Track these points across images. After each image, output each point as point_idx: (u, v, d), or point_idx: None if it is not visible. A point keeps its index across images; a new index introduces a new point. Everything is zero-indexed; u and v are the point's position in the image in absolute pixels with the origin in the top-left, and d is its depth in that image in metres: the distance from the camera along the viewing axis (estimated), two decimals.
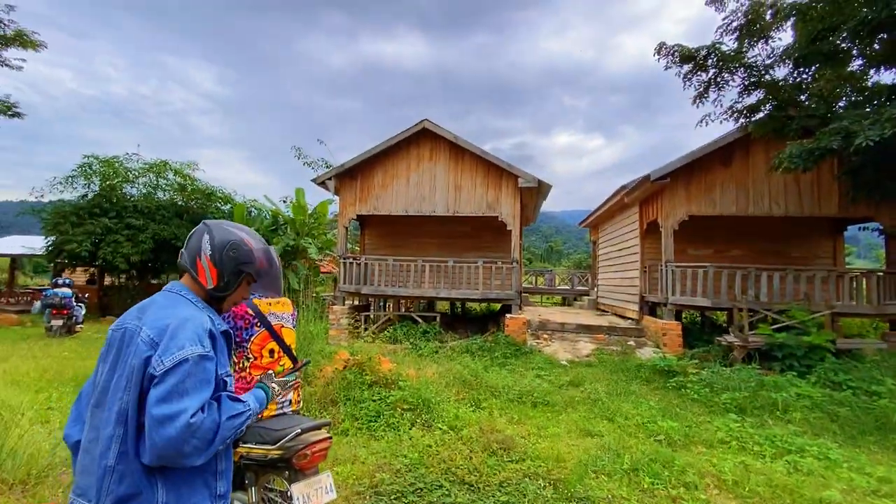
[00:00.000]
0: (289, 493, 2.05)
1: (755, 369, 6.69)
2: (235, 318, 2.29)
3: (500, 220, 10.25)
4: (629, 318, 11.32)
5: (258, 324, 2.31)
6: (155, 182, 16.38)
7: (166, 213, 15.17)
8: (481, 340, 9.09)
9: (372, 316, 11.27)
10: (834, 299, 8.26)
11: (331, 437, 2.28)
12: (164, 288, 1.39)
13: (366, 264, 10.63)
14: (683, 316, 11.42)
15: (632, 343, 9.30)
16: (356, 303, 11.96)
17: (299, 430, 2.07)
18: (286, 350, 2.37)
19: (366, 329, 10.18)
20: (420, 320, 10.10)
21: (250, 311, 2.31)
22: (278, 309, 2.42)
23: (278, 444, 2.03)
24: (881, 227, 8.90)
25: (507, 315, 9.65)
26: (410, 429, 4.37)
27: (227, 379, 1.30)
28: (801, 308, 7.72)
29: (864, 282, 8.57)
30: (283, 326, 2.40)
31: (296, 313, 2.60)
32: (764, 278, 8.42)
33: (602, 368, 7.51)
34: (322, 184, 11.19)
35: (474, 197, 10.38)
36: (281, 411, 2.31)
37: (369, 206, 10.93)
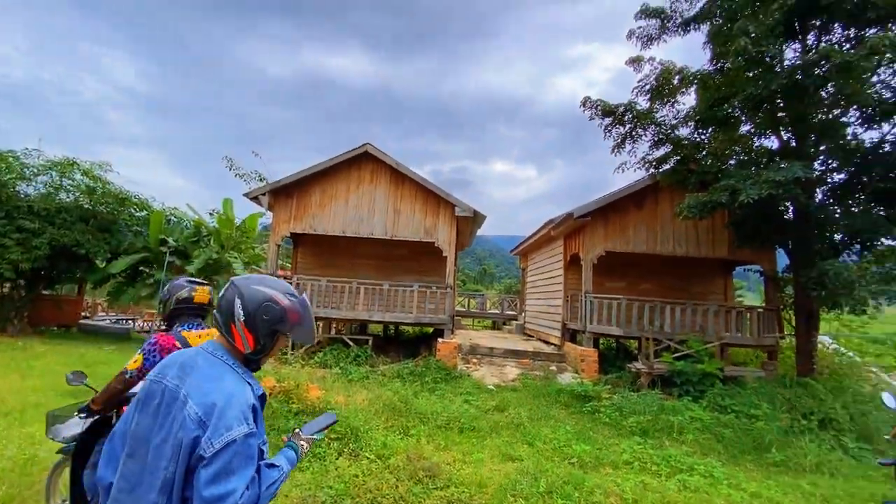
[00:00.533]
0: None
1: (658, 395, 7.43)
2: (161, 352, 2.21)
3: (436, 245, 10.53)
4: (552, 344, 12.00)
5: None
6: (58, 182, 14.74)
7: (69, 217, 13.64)
8: (412, 365, 9.16)
9: None
10: (723, 331, 9.43)
11: None
12: (202, 347, 1.38)
13: (297, 284, 10.34)
14: (601, 343, 12.33)
15: (554, 368, 9.87)
16: None
17: None
18: None
19: (293, 353, 9.83)
20: (351, 343, 9.97)
21: (178, 344, 2.24)
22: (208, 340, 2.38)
23: None
24: (761, 270, 10.37)
25: (440, 339, 9.83)
26: (337, 458, 4.34)
27: (264, 448, 1.33)
28: (697, 339, 8.74)
29: (748, 316, 9.90)
30: None
31: None
32: (668, 311, 9.42)
33: (526, 393, 7.89)
34: (255, 199, 10.81)
35: (412, 222, 10.60)
36: None
37: (305, 224, 10.72)
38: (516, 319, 17.84)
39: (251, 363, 1.41)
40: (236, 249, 14.41)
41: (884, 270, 7.72)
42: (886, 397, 3.31)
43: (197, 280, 2.50)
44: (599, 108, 8.58)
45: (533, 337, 14.39)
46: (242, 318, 1.33)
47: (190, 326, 2.33)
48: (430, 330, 13.82)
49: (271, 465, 1.32)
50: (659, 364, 8.32)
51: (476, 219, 10.97)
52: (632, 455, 5.13)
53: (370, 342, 10.15)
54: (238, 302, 1.34)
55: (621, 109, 8.57)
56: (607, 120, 8.76)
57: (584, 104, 8.64)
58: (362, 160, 10.82)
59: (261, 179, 15.15)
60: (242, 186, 14.89)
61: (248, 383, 1.34)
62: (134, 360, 2.24)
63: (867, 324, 11.71)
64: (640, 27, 9.73)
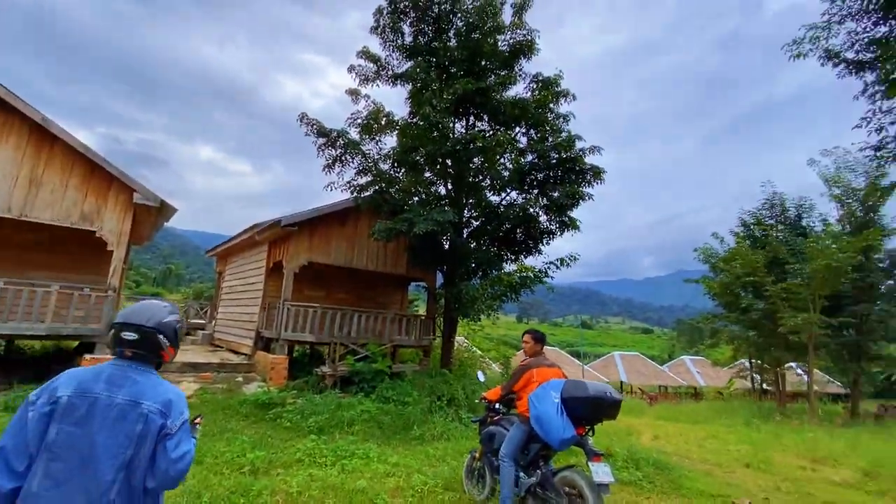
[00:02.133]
0: None
1: (338, 394, 8.27)
2: None
3: (98, 235, 8.39)
4: (243, 354, 11.44)
5: None
6: None
7: None
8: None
9: None
10: (396, 335, 11.40)
11: None
12: (132, 365, 1.72)
13: None
14: (296, 350, 12.61)
15: (240, 379, 9.44)
16: None
17: None
18: None
19: None
20: None
21: None
22: None
23: None
24: (426, 286, 13.14)
25: (88, 356, 7.81)
26: None
27: None
28: (375, 342, 10.24)
29: (415, 322, 12.30)
30: None
31: None
32: (356, 318, 10.65)
33: (203, 409, 7.27)
34: None
35: (62, 201, 8.10)
36: None
37: None
38: (203, 329, 15.97)
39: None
40: None
41: (494, 291, 11.24)
42: (479, 374, 4.93)
43: None
44: (315, 127, 9.07)
45: (222, 347, 13.26)
46: (168, 344, 1.81)
47: None
48: (74, 345, 10.70)
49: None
50: (342, 366, 9.28)
51: (163, 211, 9.41)
52: (305, 453, 5.56)
53: None
54: (162, 338, 1.80)
55: (334, 134, 9.34)
56: (321, 140, 9.35)
57: (301, 120, 8.95)
58: None
59: None
60: None
61: None
62: None
63: (485, 327, 16.52)
64: (359, 65, 10.92)
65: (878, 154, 6.65)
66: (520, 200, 10.72)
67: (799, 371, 22.55)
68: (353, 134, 9.96)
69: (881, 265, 15.99)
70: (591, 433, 3.52)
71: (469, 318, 11.90)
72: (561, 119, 10.47)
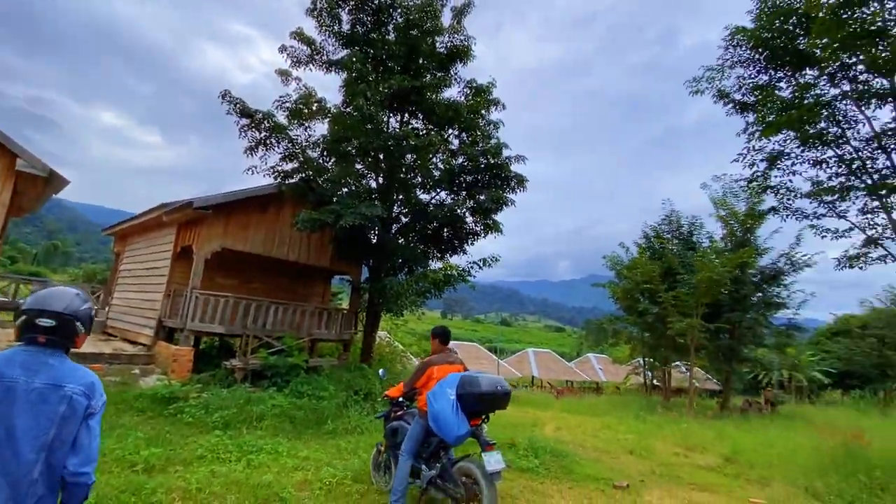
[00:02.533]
0: None
1: (247, 388, 7.94)
2: None
3: None
4: (141, 344, 10.51)
5: None
6: None
7: None
8: None
9: None
10: (315, 328, 11.13)
11: None
12: (46, 351, 1.78)
13: None
14: (203, 341, 11.79)
15: (137, 371, 8.70)
16: None
17: None
18: None
19: None
20: None
21: None
22: None
23: None
24: (350, 280, 12.97)
25: None
26: None
27: None
28: (291, 335, 9.93)
29: (336, 316, 12.09)
30: None
31: None
32: (272, 310, 10.23)
33: None
34: None
35: None
36: None
37: None
38: (96, 316, 14.35)
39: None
40: None
41: (419, 287, 11.41)
42: (381, 371, 5.07)
43: None
44: (238, 106, 8.58)
45: (116, 337, 12.05)
46: (83, 331, 1.88)
47: None
48: None
49: None
50: (254, 359, 8.90)
51: (53, 182, 8.33)
52: (207, 449, 5.30)
53: None
54: (79, 325, 1.86)
55: (259, 116, 8.90)
56: (245, 121, 8.86)
57: (223, 97, 8.42)
58: None
59: None
60: None
61: None
62: None
63: (409, 321, 16.65)
64: (292, 46, 10.48)
65: (749, 185, 7.81)
66: (449, 201, 10.99)
67: (683, 369, 25.55)
68: (281, 118, 9.55)
69: (753, 279, 18.61)
70: (485, 421, 3.82)
71: (393, 313, 11.98)
72: (491, 126, 10.90)
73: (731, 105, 8.52)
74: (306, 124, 10.27)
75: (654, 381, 24.71)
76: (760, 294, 18.40)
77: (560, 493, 5.18)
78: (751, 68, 8.19)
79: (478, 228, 11.13)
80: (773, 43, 7.35)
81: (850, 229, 7.53)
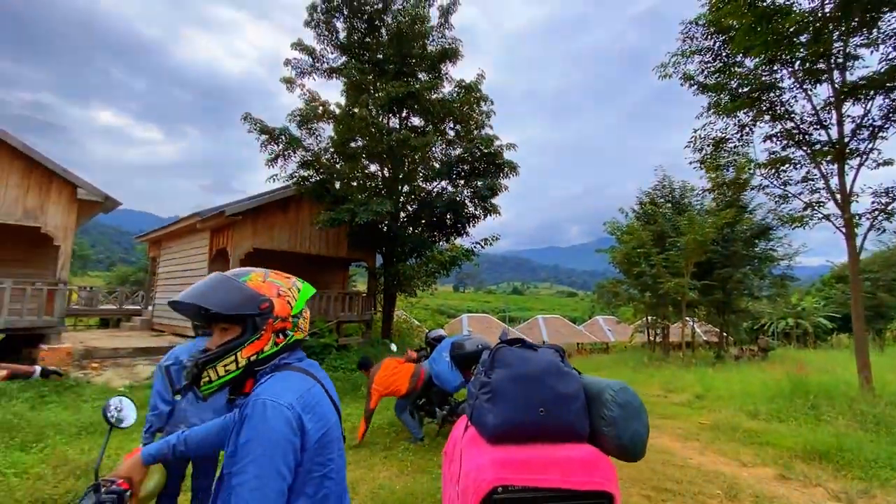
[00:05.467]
0: None
1: None
2: None
3: (43, 231, 8.63)
4: (189, 337, 12.00)
5: None
6: None
7: None
8: None
9: None
10: (340, 311, 12.59)
11: None
12: None
13: None
14: None
15: None
16: None
17: None
18: None
19: None
20: None
21: None
22: None
23: None
24: (367, 266, 14.34)
25: (44, 346, 8.25)
26: None
27: None
28: (321, 319, 11.39)
29: (357, 299, 13.52)
30: None
31: None
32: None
33: None
34: None
35: (3, 200, 8.23)
36: None
37: None
38: (140, 315, 15.99)
39: None
40: None
41: (429, 269, 12.75)
42: (392, 346, 6.44)
43: None
44: (259, 126, 9.76)
45: (164, 332, 13.64)
46: None
47: None
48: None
49: None
50: None
51: (106, 205, 9.70)
52: None
53: None
54: None
55: (277, 132, 10.08)
56: (264, 137, 10.06)
57: (244, 119, 9.59)
58: None
59: None
60: None
61: None
62: None
63: (423, 298, 18.04)
64: (295, 58, 11.54)
65: (702, 165, 8.88)
66: (449, 189, 12.17)
67: (691, 324, 26.95)
68: (294, 129, 10.71)
69: (742, 236, 19.61)
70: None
71: (407, 294, 13.39)
72: (484, 115, 11.94)
73: (695, 87, 9.45)
74: (314, 128, 11.40)
75: (657, 338, 26.15)
76: (752, 248, 19.43)
77: None
78: (708, 56, 9.09)
79: (477, 212, 12.33)
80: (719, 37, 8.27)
81: (793, 196, 8.56)
